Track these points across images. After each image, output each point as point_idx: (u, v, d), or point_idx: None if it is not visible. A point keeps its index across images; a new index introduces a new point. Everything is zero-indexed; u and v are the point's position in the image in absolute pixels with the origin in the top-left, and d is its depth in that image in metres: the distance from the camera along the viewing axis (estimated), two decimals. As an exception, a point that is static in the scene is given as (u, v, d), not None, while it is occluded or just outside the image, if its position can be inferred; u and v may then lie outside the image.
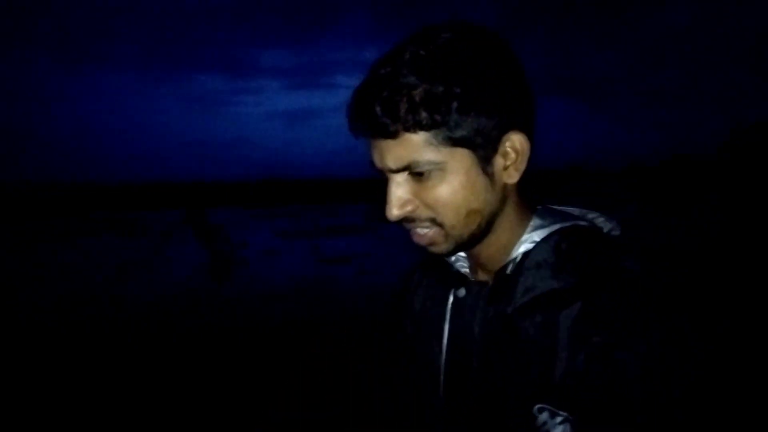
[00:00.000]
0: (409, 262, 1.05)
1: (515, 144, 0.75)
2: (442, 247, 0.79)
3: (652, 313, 0.68)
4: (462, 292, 0.84)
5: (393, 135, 0.72)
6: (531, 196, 0.83)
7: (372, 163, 0.78)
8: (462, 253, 0.86)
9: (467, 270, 0.86)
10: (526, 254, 0.79)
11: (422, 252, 0.83)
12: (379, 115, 0.71)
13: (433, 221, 0.76)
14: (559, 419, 0.71)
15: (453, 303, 0.86)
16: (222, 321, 6.77)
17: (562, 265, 0.75)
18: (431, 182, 0.74)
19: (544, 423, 0.71)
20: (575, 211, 0.84)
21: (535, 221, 0.81)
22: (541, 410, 0.72)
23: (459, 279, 0.86)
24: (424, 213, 0.76)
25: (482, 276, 0.84)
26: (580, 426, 0.70)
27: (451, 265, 0.88)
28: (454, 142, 0.72)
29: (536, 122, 0.78)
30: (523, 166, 0.77)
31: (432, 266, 0.94)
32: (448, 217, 0.75)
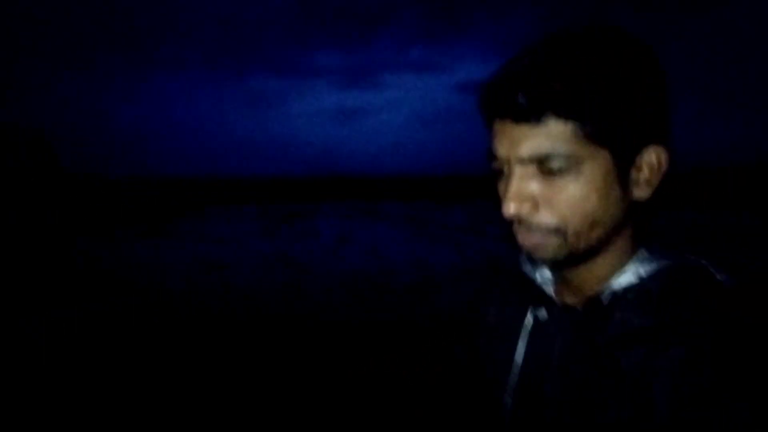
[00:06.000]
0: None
1: (655, 158, 0.68)
2: (552, 254, 0.70)
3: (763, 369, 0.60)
4: (544, 313, 0.78)
5: (536, 119, 0.65)
6: (646, 225, 0.75)
7: (489, 154, 0.71)
8: (548, 271, 0.80)
9: (551, 289, 0.79)
10: (629, 286, 0.71)
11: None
12: (525, 95, 0.65)
13: (549, 227, 0.68)
14: None
15: (533, 323, 0.80)
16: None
17: (666, 303, 0.68)
18: (563, 181, 0.67)
19: None
20: (687, 253, 0.75)
21: (642, 253, 0.73)
22: None
23: (540, 298, 0.80)
24: (543, 217, 0.68)
25: (569, 299, 0.77)
26: None
27: (533, 281, 0.81)
28: (599, 140, 0.65)
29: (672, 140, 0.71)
30: (656, 183, 0.69)
31: (510, 277, 0.88)
32: (574, 224, 0.68)
